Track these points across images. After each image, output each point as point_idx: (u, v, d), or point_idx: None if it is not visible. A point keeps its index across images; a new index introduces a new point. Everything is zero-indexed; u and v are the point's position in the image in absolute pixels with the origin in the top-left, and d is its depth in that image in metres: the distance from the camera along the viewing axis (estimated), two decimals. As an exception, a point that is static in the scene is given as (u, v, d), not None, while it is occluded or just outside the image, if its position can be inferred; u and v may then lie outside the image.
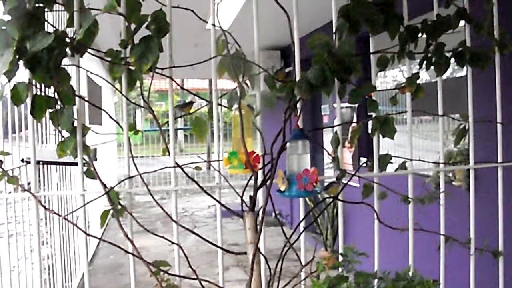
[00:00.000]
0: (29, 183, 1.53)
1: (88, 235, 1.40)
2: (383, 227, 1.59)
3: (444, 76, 1.65)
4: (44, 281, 3.63)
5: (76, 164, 1.42)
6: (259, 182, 1.41)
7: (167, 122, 1.46)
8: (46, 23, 1.29)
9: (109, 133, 2.70)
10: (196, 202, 9.64)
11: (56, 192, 3.52)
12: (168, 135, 1.47)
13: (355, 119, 4.59)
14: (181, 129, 20.18)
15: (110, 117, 1.63)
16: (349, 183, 1.57)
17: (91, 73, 1.83)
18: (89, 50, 1.35)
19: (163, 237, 1.48)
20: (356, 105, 4.53)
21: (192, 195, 10.35)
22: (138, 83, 1.38)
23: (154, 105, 22.03)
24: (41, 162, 2.79)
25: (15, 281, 2.95)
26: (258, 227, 1.38)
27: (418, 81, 1.52)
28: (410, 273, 1.43)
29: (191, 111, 1.48)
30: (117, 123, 1.51)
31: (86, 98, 1.48)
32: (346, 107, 4.73)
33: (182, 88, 1.71)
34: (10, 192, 2.55)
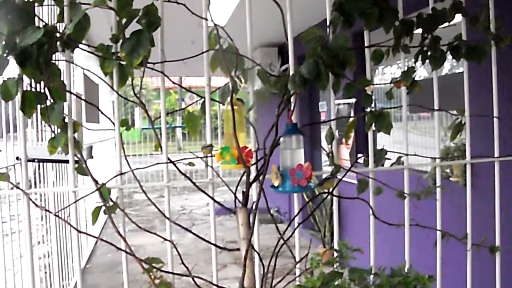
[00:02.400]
0: (29, 181, 1.52)
1: (80, 232, 1.38)
2: (381, 224, 1.58)
3: (443, 73, 1.64)
4: (41, 279, 3.62)
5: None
6: (252, 177, 1.39)
7: (159, 117, 1.45)
8: (36, 17, 1.27)
9: (104, 129, 2.66)
10: (195, 200, 9.63)
11: (47, 189, 3.49)
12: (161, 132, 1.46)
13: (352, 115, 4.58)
14: (179, 127, 20.17)
15: (102, 113, 1.61)
16: (348, 180, 1.55)
17: (88, 70, 1.81)
18: (81, 45, 1.33)
19: (155, 233, 1.47)
20: (354, 101, 4.54)
21: (190, 193, 10.34)
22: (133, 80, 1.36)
23: (153, 104, 21.99)
24: (36, 160, 2.78)
25: (13, 281, 2.94)
26: (252, 223, 1.37)
27: (416, 78, 1.51)
28: (406, 269, 1.42)
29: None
30: (109, 119, 1.49)
31: (83, 96, 1.46)
32: (344, 103, 4.72)
33: (179, 85, 1.76)
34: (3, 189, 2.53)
